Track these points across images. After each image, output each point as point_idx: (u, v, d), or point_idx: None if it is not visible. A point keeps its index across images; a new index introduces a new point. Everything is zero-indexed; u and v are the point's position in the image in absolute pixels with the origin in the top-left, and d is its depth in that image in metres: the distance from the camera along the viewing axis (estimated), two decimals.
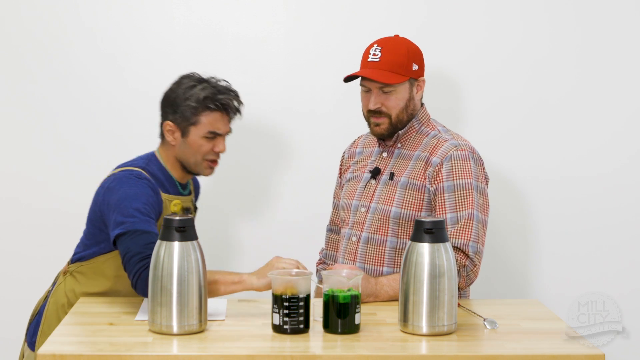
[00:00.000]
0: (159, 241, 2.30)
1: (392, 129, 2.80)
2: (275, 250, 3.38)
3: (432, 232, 2.29)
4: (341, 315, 2.28)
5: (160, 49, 3.40)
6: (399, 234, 2.76)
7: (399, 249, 2.77)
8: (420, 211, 2.75)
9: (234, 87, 2.75)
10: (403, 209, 2.75)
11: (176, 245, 2.28)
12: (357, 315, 2.30)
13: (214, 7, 3.41)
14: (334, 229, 3.05)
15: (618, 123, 3.44)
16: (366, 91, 2.80)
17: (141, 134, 3.42)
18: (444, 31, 3.41)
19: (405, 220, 2.75)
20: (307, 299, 2.29)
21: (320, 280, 2.47)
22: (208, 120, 2.68)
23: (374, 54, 2.77)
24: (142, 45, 3.40)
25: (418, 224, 2.31)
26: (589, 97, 3.43)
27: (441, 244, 2.29)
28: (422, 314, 2.29)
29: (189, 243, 2.29)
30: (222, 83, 2.74)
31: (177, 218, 2.29)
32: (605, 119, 3.44)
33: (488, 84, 3.42)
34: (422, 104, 2.86)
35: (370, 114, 2.80)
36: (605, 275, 3.44)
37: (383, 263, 2.77)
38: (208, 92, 2.68)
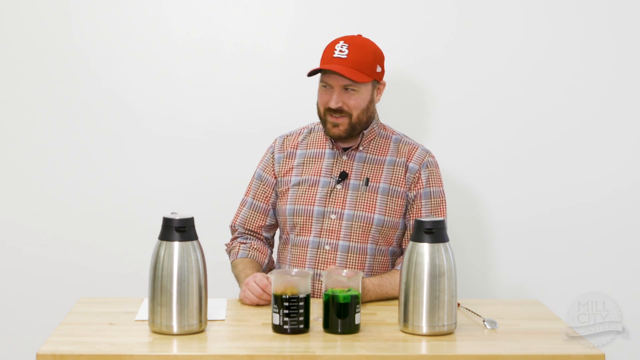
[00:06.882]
0: (159, 241, 2.30)
1: (350, 130, 2.69)
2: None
3: (432, 232, 2.29)
4: (341, 315, 2.28)
5: (160, 50, 3.40)
6: (379, 241, 2.73)
7: (377, 256, 2.73)
8: (400, 217, 2.73)
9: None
10: (386, 216, 2.71)
11: (176, 245, 2.28)
12: (357, 315, 2.30)
13: (213, 8, 3.40)
14: (247, 233, 2.84)
15: (619, 130, 3.44)
16: (324, 87, 2.70)
17: (141, 134, 3.42)
18: (436, 40, 3.41)
19: (387, 227, 2.72)
20: (307, 299, 2.28)
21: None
22: None
23: (340, 50, 2.66)
24: (142, 46, 3.40)
25: (418, 224, 2.31)
26: (591, 102, 3.44)
27: (441, 244, 2.29)
28: (422, 314, 2.28)
29: (189, 243, 2.29)
30: None
31: (177, 218, 2.28)
32: (608, 126, 3.44)
33: (491, 85, 3.43)
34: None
35: (329, 113, 2.69)
36: (605, 275, 3.43)
37: (364, 271, 2.72)
38: None
